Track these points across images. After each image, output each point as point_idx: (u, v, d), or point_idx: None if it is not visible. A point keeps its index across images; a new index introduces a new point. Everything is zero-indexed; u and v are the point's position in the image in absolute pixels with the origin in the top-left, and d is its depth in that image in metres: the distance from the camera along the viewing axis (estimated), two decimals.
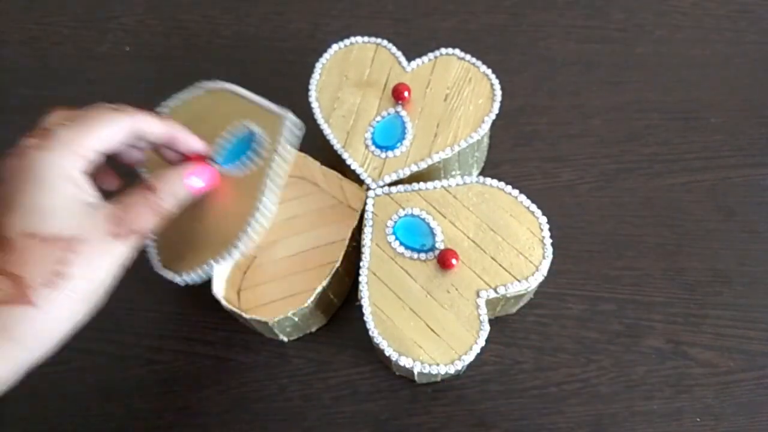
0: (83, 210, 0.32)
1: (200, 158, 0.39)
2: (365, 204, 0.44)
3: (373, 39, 0.49)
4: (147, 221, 0.34)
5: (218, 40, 0.59)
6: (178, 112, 0.43)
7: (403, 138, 0.46)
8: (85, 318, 0.32)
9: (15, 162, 0.32)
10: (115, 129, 0.34)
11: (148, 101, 0.56)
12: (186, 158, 0.39)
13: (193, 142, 0.39)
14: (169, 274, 0.39)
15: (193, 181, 0.37)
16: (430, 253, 0.42)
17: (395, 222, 0.43)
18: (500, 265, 0.41)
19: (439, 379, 0.45)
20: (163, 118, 0.37)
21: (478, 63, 0.47)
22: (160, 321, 0.48)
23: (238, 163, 0.40)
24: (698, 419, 0.44)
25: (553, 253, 0.41)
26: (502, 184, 0.43)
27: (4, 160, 0.32)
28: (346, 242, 0.44)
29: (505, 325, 0.47)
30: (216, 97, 0.43)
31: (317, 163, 0.48)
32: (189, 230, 0.39)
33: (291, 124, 0.40)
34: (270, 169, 0.39)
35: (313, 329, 0.47)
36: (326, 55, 0.49)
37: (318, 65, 0.48)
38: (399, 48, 0.49)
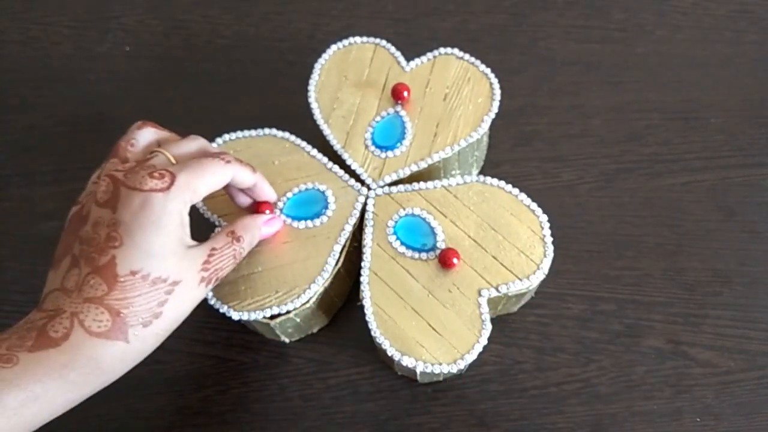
0: (184, 253, 0.34)
1: (268, 204, 0.42)
2: (365, 204, 0.44)
3: (371, 39, 0.49)
4: (228, 268, 0.37)
5: (218, 40, 0.59)
6: (233, 147, 0.46)
7: (403, 138, 0.46)
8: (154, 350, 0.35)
9: (137, 201, 0.33)
10: (221, 178, 0.36)
11: (148, 101, 0.57)
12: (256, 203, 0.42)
13: (269, 192, 0.42)
14: (223, 308, 0.41)
15: (266, 230, 0.41)
16: (431, 253, 0.42)
17: (396, 222, 0.43)
18: (501, 263, 0.41)
19: (441, 378, 0.45)
20: (253, 169, 0.39)
21: (477, 62, 0.47)
22: None
23: (303, 217, 0.43)
24: (698, 419, 0.44)
25: (554, 253, 0.41)
26: (502, 183, 0.43)
27: (123, 196, 0.33)
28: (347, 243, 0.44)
29: (505, 325, 0.47)
30: (276, 144, 0.46)
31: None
32: (246, 270, 0.42)
33: (364, 199, 0.44)
34: (340, 237, 0.43)
35: (315, 330, 0.47)
36: (325, 56, 0.49)
37: (317, 66, 0.48)
38: (399, 48, 0.49)
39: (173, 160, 0.36)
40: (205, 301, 0.41)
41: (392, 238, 0.42)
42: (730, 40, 0.57)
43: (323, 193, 0.44)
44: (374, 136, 0.46)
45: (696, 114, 0.54)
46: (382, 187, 0.45)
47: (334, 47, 0.49)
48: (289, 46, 0.59)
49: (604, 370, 0.45)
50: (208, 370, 0.47)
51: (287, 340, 0.47)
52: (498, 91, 0.46)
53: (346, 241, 0.43)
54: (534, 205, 0.42)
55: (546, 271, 0.41)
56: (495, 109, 0.46)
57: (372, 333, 0.40)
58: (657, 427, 0.44)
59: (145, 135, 0.37)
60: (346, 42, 0.49)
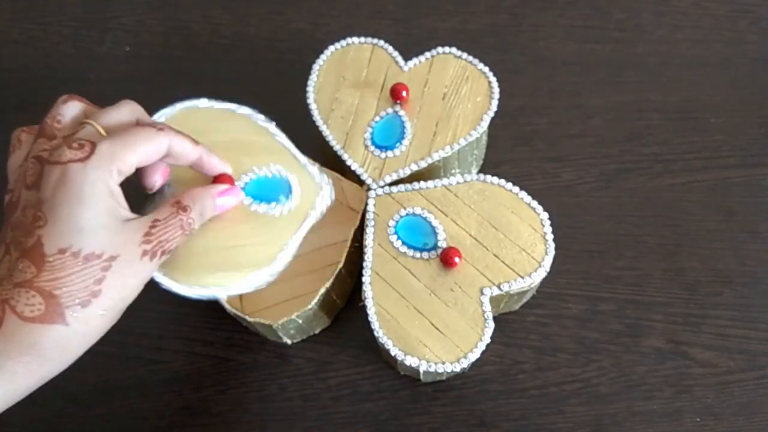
0: (119, 226, 0.32)
1: (227, 177, 0.39)
2: (366, 204, 0.44)
3: (369, 39, 0.49)
4: (176, 240, 0.34)
5: (218, 40, 0.59)
6: (186, 117, 0.43)
7: (403, 137, 0.46)
8: (104, 332, 0.32)
9: (56, 175, 0.31)
10: (154, 147, 0.34)
11: (148, 101, 0.56)
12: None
13: (219, 165, 0.38)
14: (169, 284, 0.38)
15: (222, 202, 0.37)
16: (433, 252, 0.42)
17: (397, 221, 0.43)
18: (503, 262, 0.41)
19: (444, 377, 0.45)
20: (196, 142, 0.37)
21: (475, 61, 0.47)
22: (160, 321, 0.48)
23: (265, 200, 0.40)
24: (698, 419, 0.44)
25: (554, 251, 0.41)
26: (502, 181, 0.43)
27: (45, 173, 0.31)
28: (348, 243, 0.43)
29: (505, 325, 0.47)
30: (234, 118, 0.43)
31: (316, 165, 0.47)
32: (200, 246, 0.39)
33: (327, 194, 0.41)
34: (302, 225, 0.40)
35: (317, 331, 0.47)
36: (323, 57, 0.49)
37: (315, 67, 0.48)
38: (399, 48, 0.49)
39: (102, 132, 0.33)
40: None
41: (393, 238, 0.42)
42: (730, 40, 0.57)
43: (287, 179, 0.41)
44: (374, 136, 0.46)
45: (696, 114, 0.54)
46: (383, 186, 0.45)
47: (331, 48, 0.49)
48: (289, 46, 0.59)
49: (604, 370, 0.45)
50: (208, 370, 0.47)
51: (289, 342, 0.47)
52: (497, 90, 0.46)
53: (307, 231, 0.40)
54: (534, 203, 0.42)
55: (547, 269, 0.41)
56: (494, 107, 0.46)
57: (375, 333, 0.40)
58: (657, 427, 0.44)
59: (71, 109, 0.35)
60: (343, 42, 0.49)
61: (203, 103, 0.43)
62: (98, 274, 0.31)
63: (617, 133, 0.53)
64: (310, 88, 0.48)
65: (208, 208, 0.37)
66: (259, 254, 0.39)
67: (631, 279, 0.48)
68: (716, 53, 0.56)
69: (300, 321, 0.43)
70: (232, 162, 0.40)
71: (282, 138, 0.42)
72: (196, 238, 0.38)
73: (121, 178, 0.33)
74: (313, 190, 0.41)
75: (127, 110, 0.36)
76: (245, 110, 0.43)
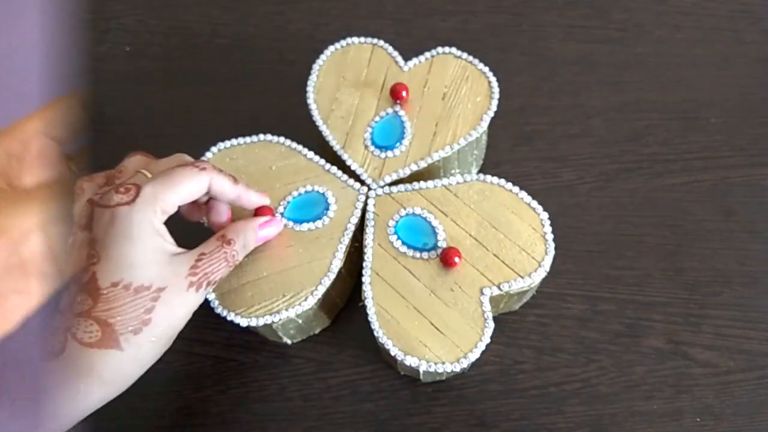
0: (166, 259, 0.35)
1: (268, 209, 0.42)
2: (366, 204, 0.44)
3: (369, 39, 0.49)
4: (222, 272, 0.38)
5: (218, 40, 0.59)
6: (229, 155, 0.46)
7: (403, 137, 0.46)
8: (157, 358, 0.36)
9: (106, 218, 0.34)
10: (195, 186, 0.37)
11: (148, 101, 0.57)
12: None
13: (258, 200, 0.42)
14: (230, 316, 0.41)
15: (264, 233, 0.41)
16: (433, 252, 0.42)
17: (397, 222, 0.43)
18: (503, 262, 0.41)
19: (444, 377, 0.45)
20: (236, 180, 0.40)
21: (475, 61, 0.47)
22: None
23: (305, 220, 0.43)
24: (698, 419, 0.44)
25: (554, 251, 0.41)
26: (502, 181, 0.43)
27: (96, 215, 0.35)
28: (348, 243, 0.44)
29: (505, 325, 0.47)
30: (272, 149, 0.46)
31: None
32: (252, 276, 0.42)
33: (365, 198, 0.44)
34: (343, 237, 0.42)
35: (317, 331, 0.47)
36: (323, 57, 0.49)
37: (315, 67, 0.48)
38: (399, 48, 0.49)
39: (148, 174, 0.36)
40: (205, 300, 0.41)
41: (393, 238, 0.42)
42: (730, 40, 0.57)
43: (323, 194, 0.44)
44: (373, 136, 0.46)
45: (696, 114, 0.54)
46: (383, 187, 0.45)
47: (331, 48, 0.49)
48: (289, 46, 0.59)
49: (604, 370, 0.45)
50: (208, 370, 0.47)
51: (289, 342, 0.46)
52: (496, 90, 0.46)
53: (349, 241, 0.43)
54: (534, 203, 0.42)
55: (547, 269, 0.41)
56: (494, 107, 0.46)
57: (375, 333, 0.40)
58: (657, 427, 0.44)
59: (133, 162, 0.38)
60: (343, 42, 0.49)
61: (224, 144, 0.46)
62: (148, 304, 0.34)
63: (617, 133, 0.53)
64: (310, 88, 0.48)
65: (250, 240, 0.40)
66: (314, 270, 0.42)
67: (631, 279, 0.48)
68: (716, 53, 0.56)
69: (300, 321, 0.43)
70: (268, 191, 0.43)
71: (310, 155, 0.45)
72: (247, 268, 0.42)
73: (165, 217, 0.36)
74: (349, 198, 0.44)
75: (176, 160, 0.39)
76: (267, 137, 0.46)
